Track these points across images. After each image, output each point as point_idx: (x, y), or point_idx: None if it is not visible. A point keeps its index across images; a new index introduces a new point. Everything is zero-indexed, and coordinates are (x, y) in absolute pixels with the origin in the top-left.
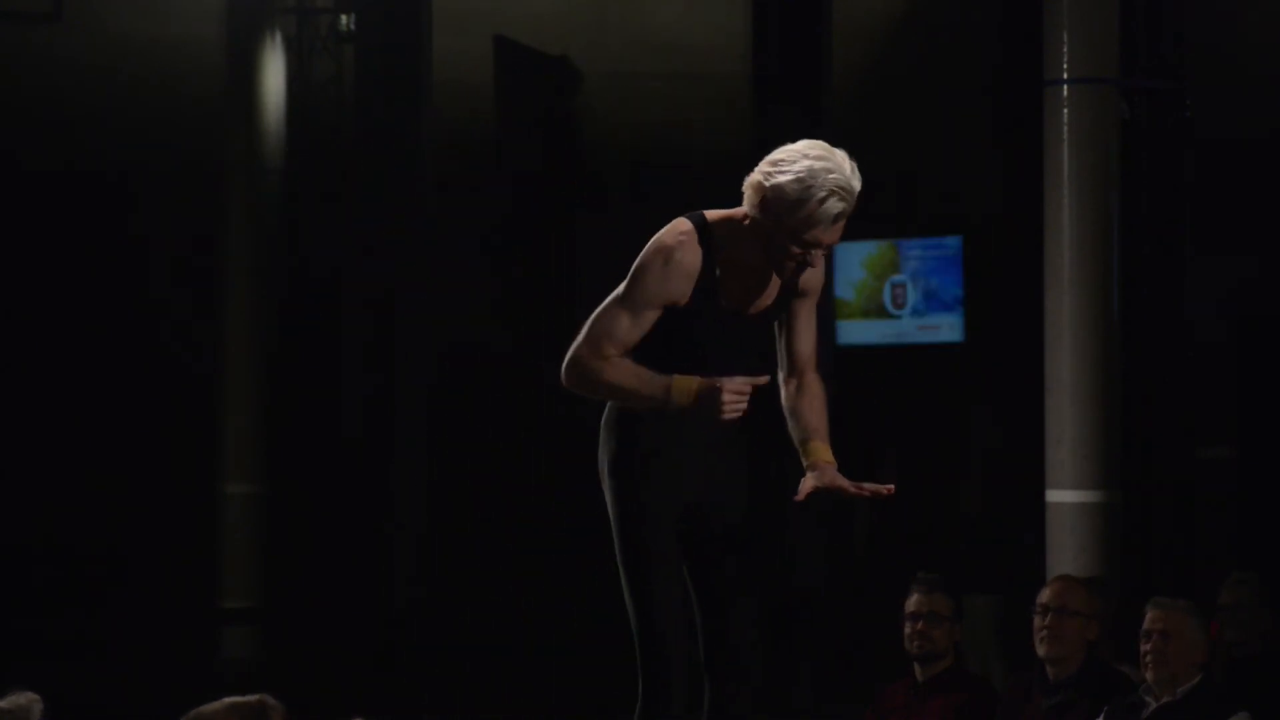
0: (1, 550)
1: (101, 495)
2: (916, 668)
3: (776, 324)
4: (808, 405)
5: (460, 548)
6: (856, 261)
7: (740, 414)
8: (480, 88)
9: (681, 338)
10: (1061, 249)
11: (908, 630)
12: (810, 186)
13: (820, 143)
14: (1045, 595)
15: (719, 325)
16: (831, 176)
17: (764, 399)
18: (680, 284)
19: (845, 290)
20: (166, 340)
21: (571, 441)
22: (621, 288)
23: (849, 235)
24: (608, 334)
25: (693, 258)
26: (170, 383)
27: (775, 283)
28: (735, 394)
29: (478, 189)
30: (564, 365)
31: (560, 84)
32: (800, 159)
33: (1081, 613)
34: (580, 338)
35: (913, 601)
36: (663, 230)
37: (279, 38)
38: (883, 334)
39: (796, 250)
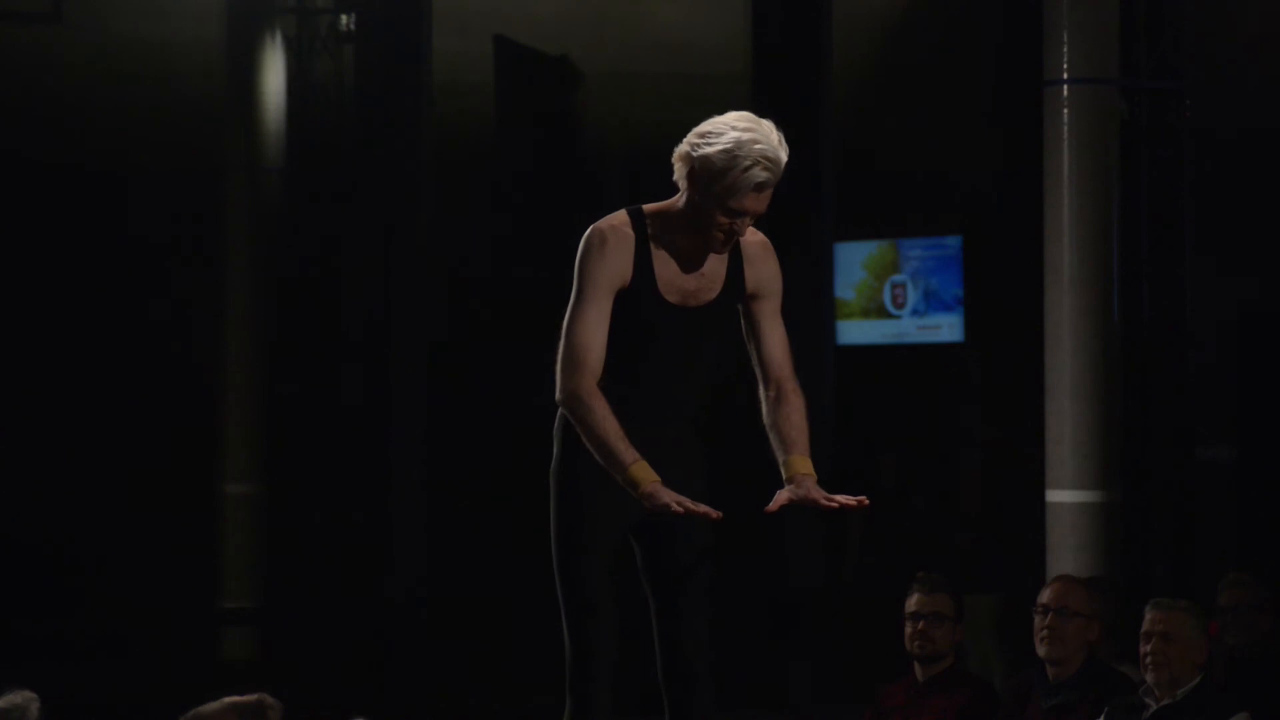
0: (1, 550)
1: (102, 495)
2: (917, 667)
3: (745, 335)
4: (785, 419)
5: (460, 548)
6: (856, 261)
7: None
8: (480, 88)
9: (626, 331)
10: (1061, 249)
11: (909, 630)
12: (736, 156)
13: (747, 114)
14: (1045, 595)
15: (662, 318)
16: (757, 147)
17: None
18: (621, 260)
19: (845, 290)
20: (166, 340)
21: None
22: (574, 289)
23: (849, 235)
24: (581, 342)
25: (626, 237)
26: (170, 383)
27: (716, 275)
28: (676, 505)
29: (477, 189)
30: (557, 387)
31: (560, 84)
32: (728, 130)
33: (1081, 613)
34: (560, 358)
35: (913, 601)
36: (592, 228)
37: (279, 38)
38: (883, 334)
39: (723, 219)
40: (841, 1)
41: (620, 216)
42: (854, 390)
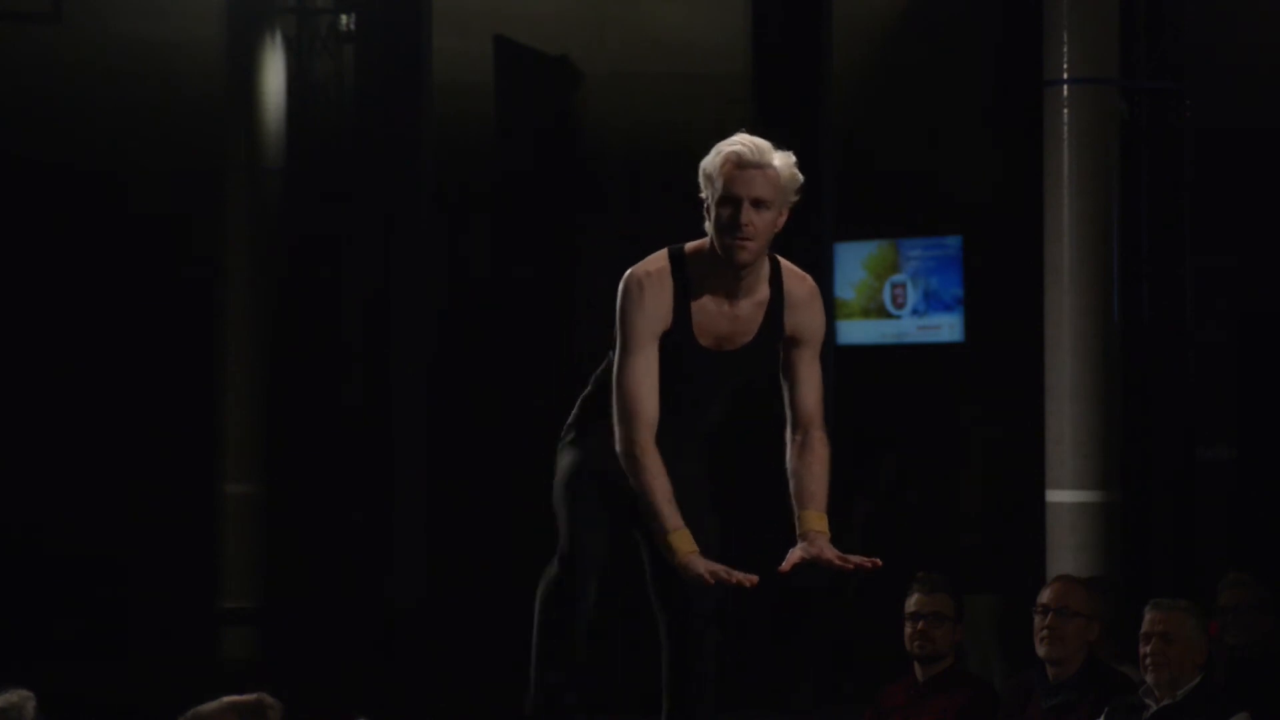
0: (1, 550)
1: (101, 495)
2: (917, 668)
3: (781, 373)
4: (807, 469)
5: (461, 547)
6: (856, 261)
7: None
8: (480, 88)
9: (661, 374)
10: (1061, 249)
11: (909, 630)
12: (718, 151)
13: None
14: (1045, 595)
15: (694, 361)
16: (734, 137)
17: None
18: (662, 307)
19: (845, 290)
20: (165, 340)
21: None
22: (617, 338)
23: (849, 235)
24: (633, 394)
25: (665, 283)
26: (170, 383)
27: (753, 319)
28: (709, 575)
29: (477, 189)
30: (617, 438)
31: (560, 84)
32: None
33: (1082, 613)
34: (615, 410)
35: (913, 601)
36: (637, 264)
37: (279, 38)
38: (883, 334)
39: (726, 214)
40: (841, 1)
41: (660, 260)
42: (854, 390)
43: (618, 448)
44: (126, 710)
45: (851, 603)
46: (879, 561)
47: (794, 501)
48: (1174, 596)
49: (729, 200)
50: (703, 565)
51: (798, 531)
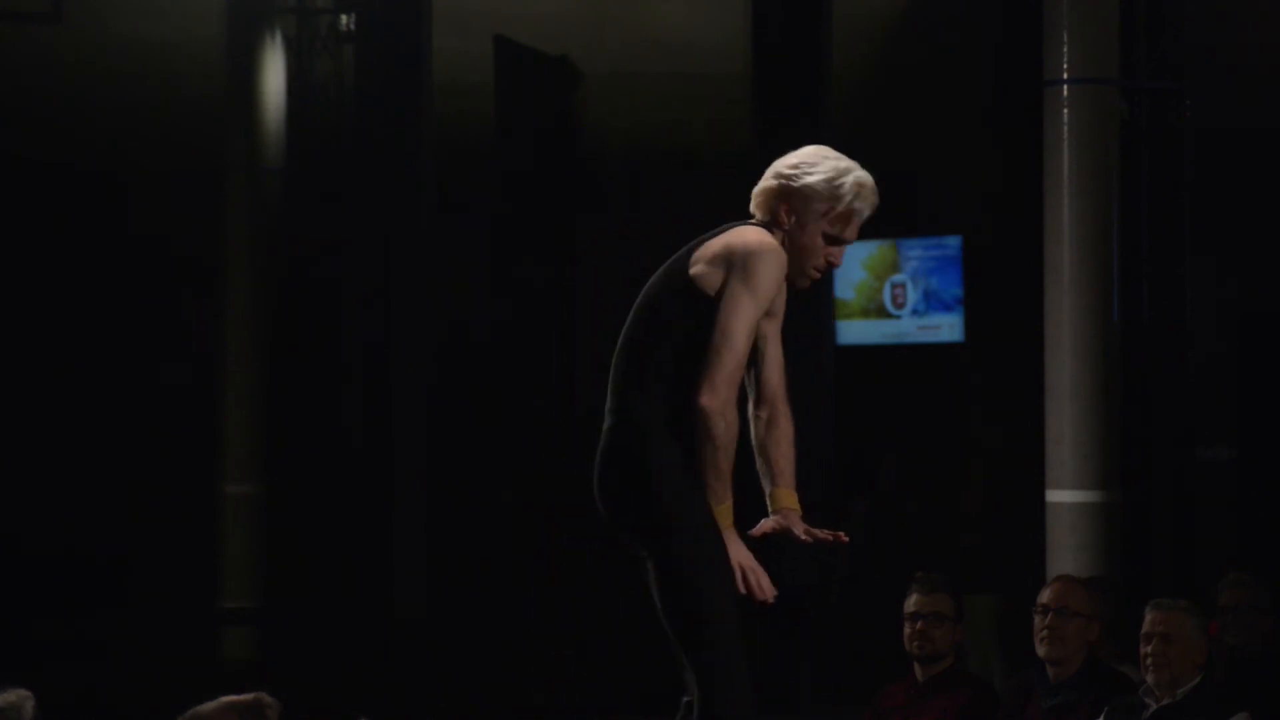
0: (1, 550)
1: (101, 496)
2: (917, 668)
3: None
4: (775, 445)
5: (461, 547)
6: (856, 261)
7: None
8: (480, 88)
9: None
10: (1061, 249)
11: (908, 630)
12: (840, 184)
13: (826, 147)
14: (1045, 595)
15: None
16: (856, 174)
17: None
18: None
19: (845, 290)
20: (166, 340)
21: (573, 441)
22: (743, 288)
23: None
24: (745, 350)
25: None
26: (170, 383)
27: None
28: (744, 571)
29: (477, 189)
30: (710, 392)
31: (560, 84)
32: (822, 160)
33: (1082, 613)
34: (721, 361)
35: (913, 601)
36: (761, 236)
37: (279, 38)
38: (883, 334)
39: (824, 244)
40: (841, 1)
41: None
42: (854, 390)
43: (704, 400)
44: (126, 710)
45: (834, 603)
46: (844, 536)
47: (763, 478)
48: (1174, 596)
49: (839, 240)
50: (742, 553)
51: (770, 507)
